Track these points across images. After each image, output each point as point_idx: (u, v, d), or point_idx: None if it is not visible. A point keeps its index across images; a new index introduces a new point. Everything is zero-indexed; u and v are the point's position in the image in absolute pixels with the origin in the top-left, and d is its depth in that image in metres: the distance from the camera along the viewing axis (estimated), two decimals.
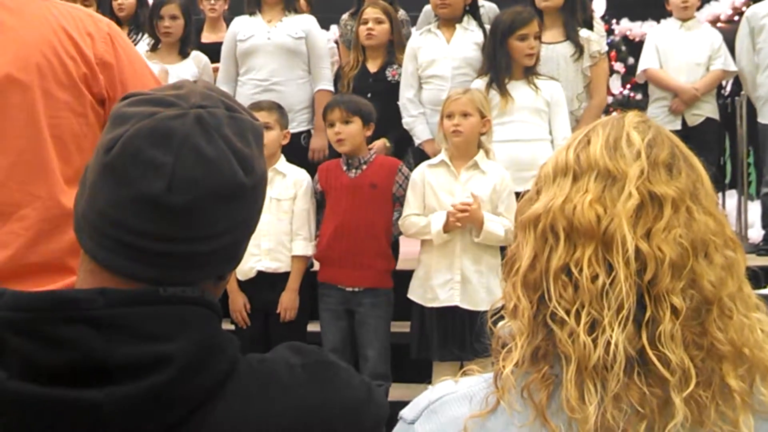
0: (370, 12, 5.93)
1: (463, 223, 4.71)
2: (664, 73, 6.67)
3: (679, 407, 1.18)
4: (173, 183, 1.19)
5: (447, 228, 4.72)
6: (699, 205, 1.27)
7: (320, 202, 5.09)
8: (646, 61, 6.80)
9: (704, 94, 6.60)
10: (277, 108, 5.15)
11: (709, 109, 6.67)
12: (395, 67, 5.91)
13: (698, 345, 1.21)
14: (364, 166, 5.00)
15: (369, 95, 5.58)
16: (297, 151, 5.67)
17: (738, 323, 1.23)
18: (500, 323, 1.32)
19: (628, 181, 1.25)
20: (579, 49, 5.74)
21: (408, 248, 5.36)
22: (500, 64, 5.42)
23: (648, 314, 1.20)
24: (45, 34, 2.14)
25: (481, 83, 5.45)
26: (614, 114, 1.37)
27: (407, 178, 5.00)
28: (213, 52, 6.30)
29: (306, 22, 6.05)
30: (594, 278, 1.22)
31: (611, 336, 1.19)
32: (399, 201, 5.01)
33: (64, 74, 2.15)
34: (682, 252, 1.22)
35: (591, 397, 1.19)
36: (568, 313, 1.21)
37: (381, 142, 5.69)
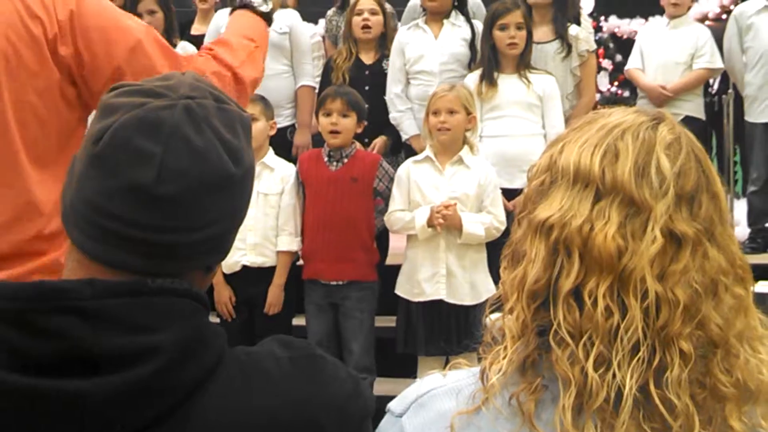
0: (365, 3, 5.89)
1: (446, 224, 4.71)
2: (639, 73, 6.69)
3: None
4: (162, 173, 1.19)
5: (431, 223, 4.73)
6: (713, 242, 1.23)
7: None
8: (630, 61, 6.83)
9: (683, 93, 6.59)
10: (260, 99, 5.11)
11: (690, 108, 6.63)
12: None
13: (701, 384, 1.19)
14: (346, 160, 5.00)
15: (366, 88, 5.57)
16: (283, 145, 5.67)
17: (743, 361, 1.21)
18: (494, 315, 1.30)
19: (653, 219, 1.20)
20: (568, 47, 5.74)
21: (397, 243, 5.36)
22: (485, 55, 5.43)
23: (657, 359, 1.17)
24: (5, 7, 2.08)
25: (474, 76, 5.45)
26: (643, 118, 1.30)
27: (387, 172, 5.01)
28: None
29: (290, 17, 6.03)
30: (608, 315, 1.18)
31: (623, 380, 1.16)
32: (380, 195, 5.01)
33: (28, 38, 2.09)
34: (694, 296, 1.19)
35: (589, 431, 1.17)
36: (571, 336, 1.19)
37: (381, 141, 5.68)
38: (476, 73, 5.50)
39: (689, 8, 6.97)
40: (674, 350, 1.17)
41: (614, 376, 1.17)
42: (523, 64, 5.45)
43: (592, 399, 1.16)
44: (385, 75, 5.86)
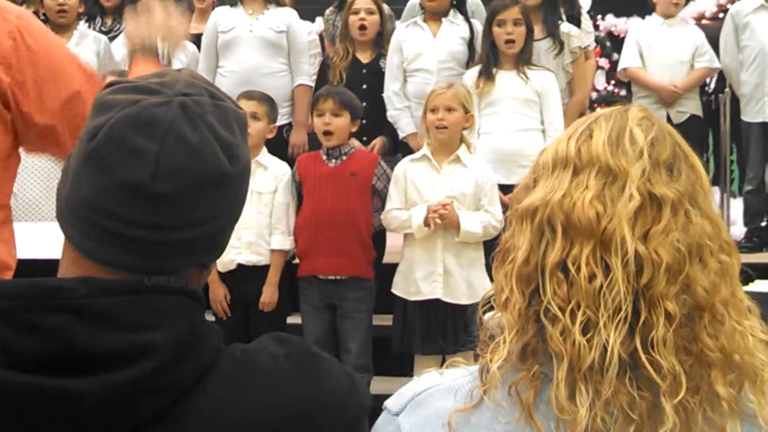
0: (361, 2, 5.88)
1: (443, 224, 4.71)
2: (644, 72, 6.69)
3: (669, 414, 1.17)
4: (157, 170, 1.18)
5: (428, 222, 4.73)
6: (697, 208, 1.25)
7: (298, 195, 5.08)
8: (627, 59, 6.81)
9: (687, 91, 6.62)
10: (268, 100, 5.14)
11: (693, 107, 6.70)
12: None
13: (688, 351, 1.20)
14: (344, 157, 5.00)
15: (364, 87, 5.56)
16: (280, 143, 5.67)
17: (729, 329, 1.22)
18: (488, 314, 1.31)
19: (630, 180, 1.24)
20: (559, 45, 5.74)
21: (395, 241, 5.36)
22: (485, 51, 5.44)
23: (642, 318, 1.19)
24: None
25: (473, 72, 5.45)
26: (617, 107, 1.35)
27: (385, 172, 5.01)
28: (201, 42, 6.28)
29: (287, 16, 6.03)
30: (591, 278, 1.20)
31: (607, 339, 1.18)
32: (378, 194, 5.00)
33: None
34: (678, 257, 1.21)
35: (582, 398, 1.18)
36: (562, 310, 1.20)
37: (380, 142, 5.68)
38: (476, 69, 5.50)
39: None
40: (659, 310, 1.19)
41: (600, 335, 1.18)
42: (522, 60, 5.45)
43: (581, 361, 1.18)
44: (382, 74, 5.84)
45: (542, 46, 5.72)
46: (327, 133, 4.97)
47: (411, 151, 5.39)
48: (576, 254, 1.22)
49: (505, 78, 5.42)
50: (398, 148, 5.86)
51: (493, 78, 5.39)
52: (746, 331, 1.25)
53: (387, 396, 1.35)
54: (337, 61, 5.89)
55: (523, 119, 5.38)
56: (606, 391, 1.17)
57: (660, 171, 1.25)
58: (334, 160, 4.99)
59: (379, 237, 5.23)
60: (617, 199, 1.23)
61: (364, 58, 5.92)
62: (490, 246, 4.73)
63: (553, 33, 5.75)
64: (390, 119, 5.76)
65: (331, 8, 6.72)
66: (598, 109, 1.39)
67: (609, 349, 1.17)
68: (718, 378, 1.20)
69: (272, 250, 4.99)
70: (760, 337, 1.26)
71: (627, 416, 1.18)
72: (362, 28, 5.87)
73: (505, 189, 4.98)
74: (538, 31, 5.74)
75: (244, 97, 5.06)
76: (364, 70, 5.88)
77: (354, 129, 5.08)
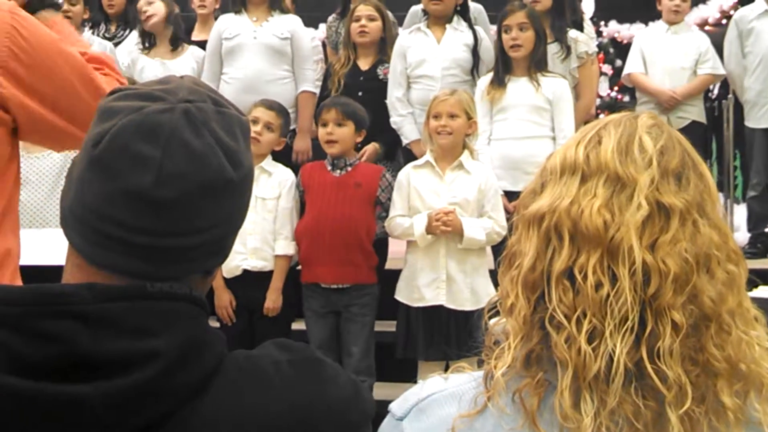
0: (362, 9, 5.88)
1: (447, 231, 4.71)
2: (645, 77, 6.69)
3: (674, 424, 1.17)
4: (161, 177, 1.19)
5: (429, 230, 4.73)
6: (705, 218, 1.25)
7: (301, 203, 5.08)
8: (631, 65, 6.82)
9: (690, 98, 6.61)
10: (285, 114, 5.17)
11: (696, 113, 6.68)
12: (386, 65, 5.85)
13: (694, 360, 1.20)
14: (349, 168, 5.00)
15: (360, 93, 5.56)
16: (284, 149, 5.66)
17: (736, 339, 1.22)
18: (494, 320, 1.31)
19: (638, 189, 1.23)
20: (566, 50, 5.74)
21: (397, 248, 5.35)
22: (497, 58, 5.46)
23: (648, 328, 1.19)
24: None
25: (487, 79, 5.45)
26: (626, 113, 1.34)
27: (390, 184, 5.00)
28: (203, 49, 6.30)
29: (292, 23, 6.04)
30: (598, 286, 1.20)
31: (613, 348, 1.17)
32: (381, 205, 5.00)
33: None
34: (685, 267, 1.21)
35: (587, 407, 1.17)
36: (567, 318, 1.20)
37: (372, 148, 5.67)
38: (489, 76, 5.50)
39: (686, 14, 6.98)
40: (666, 320, 1.19)
41: (606, 344, 1.18)
42: (534, 66, 5.43)
43: (586, 370, 1.17)
44: (379, 81, 5.84)
45: (549, 51, 5.71)
46: (330, 142, 4.97)
47: (413, 158, 5.39)
48: (583, 262, 1.21)
49: (517, 85, 5.40)
50: (394, 155, 5.86)
51: (505, 85, 5.38)
52: (753, 340, 1.24)
53: (390, 402, 1.35)
54: (338, 68, 5.89)
55: (532, 126, 5.35)
56: (611, 401, 1.17)
57: (669, 180, 1.25)
58: (339, 171, 4.99)
59: (381, 243, 5.22)
60: (625, 207, 1.23)
61: (364, 65, 5.92)
62: (497, 251, 4.72)
63: (560, 38, 5.74)
64: (393, 125, 5.74)
65: (333, 15, 6.73)
66: (602, 116, 1.39)
67: (615, 358, 1.17)
68: (724, 388, 1.20)
69: (276, 256, 4.99)
70: (766, 347, 1.26)
71: (632, 426, 1.18)
72: (363, 33, 5.87)
73: (510, 196, 4.98)
74: (547, 35, 5.74)
75: (263, 106, 5.06)
76: (362, 78, 5.88)
77: (359, 139, 5.07)
